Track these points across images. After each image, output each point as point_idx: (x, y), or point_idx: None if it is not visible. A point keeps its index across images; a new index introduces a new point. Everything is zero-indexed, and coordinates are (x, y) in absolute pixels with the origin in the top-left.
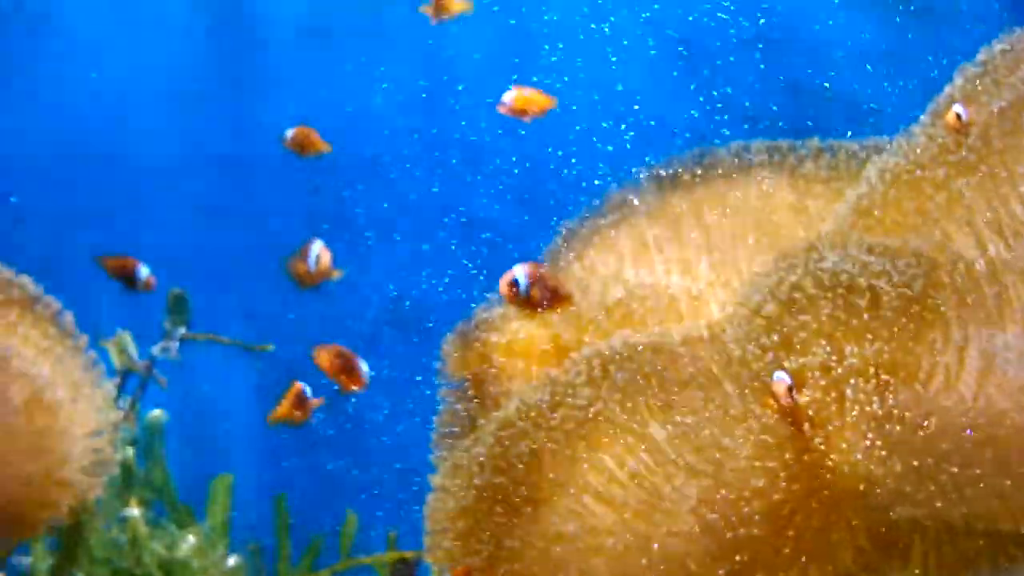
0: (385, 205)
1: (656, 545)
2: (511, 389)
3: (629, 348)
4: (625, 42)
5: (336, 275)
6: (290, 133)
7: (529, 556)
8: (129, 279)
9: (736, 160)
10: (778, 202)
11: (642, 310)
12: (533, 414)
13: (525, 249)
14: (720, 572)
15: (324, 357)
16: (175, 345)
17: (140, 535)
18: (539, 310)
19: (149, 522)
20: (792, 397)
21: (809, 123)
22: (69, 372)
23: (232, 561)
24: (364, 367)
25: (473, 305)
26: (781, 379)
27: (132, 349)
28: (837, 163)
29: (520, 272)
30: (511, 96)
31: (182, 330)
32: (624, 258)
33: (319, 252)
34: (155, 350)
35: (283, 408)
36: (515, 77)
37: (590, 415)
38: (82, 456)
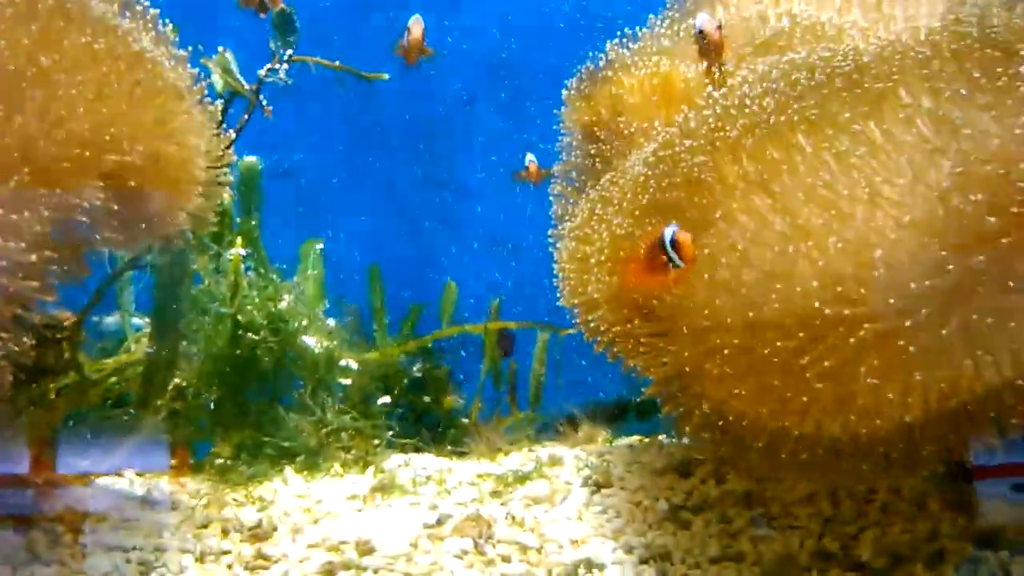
0: None
1: (892, 235)
2: (649, 130)
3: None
4: None
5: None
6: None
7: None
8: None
9: None
10: None
11: (805, 42)
12: (704, 130)
13: None
14: (974, 260)
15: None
16: (283, 68)
17: (241, 281)
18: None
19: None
20: None
21: None
22: (177, 79)
23: (331, 323)
24: None
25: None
26: None
27: (235, 69)
28: None
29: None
30: None
31: (289, 51)
32: None
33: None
34: (262, 72)
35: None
36: None
37: (784, 118)
38: (199, 163)
